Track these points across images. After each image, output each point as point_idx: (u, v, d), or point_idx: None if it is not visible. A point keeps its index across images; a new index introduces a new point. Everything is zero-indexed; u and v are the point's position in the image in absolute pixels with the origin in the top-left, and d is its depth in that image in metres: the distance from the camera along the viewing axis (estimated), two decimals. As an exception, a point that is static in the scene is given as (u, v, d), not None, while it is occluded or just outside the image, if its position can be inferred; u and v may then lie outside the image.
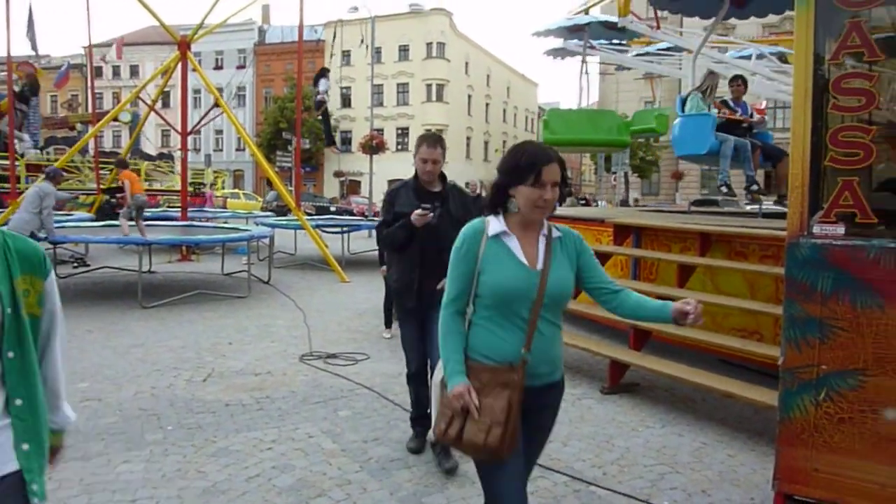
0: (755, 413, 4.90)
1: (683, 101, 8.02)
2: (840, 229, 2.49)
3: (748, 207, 25.09)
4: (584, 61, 11.61)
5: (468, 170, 44.13)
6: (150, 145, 31.21)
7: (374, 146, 32.84)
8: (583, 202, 24.30)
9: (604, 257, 6.74)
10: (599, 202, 32.50)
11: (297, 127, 15.45)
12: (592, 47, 11.48)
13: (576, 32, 10.91)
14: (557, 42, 11.80)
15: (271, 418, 4.62)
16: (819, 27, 2.50)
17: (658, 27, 9.24)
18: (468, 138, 52.43)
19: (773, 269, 5.10)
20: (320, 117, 18.02)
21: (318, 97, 16.86)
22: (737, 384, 4.58)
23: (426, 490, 3.57)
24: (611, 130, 11.30)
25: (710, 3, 8.12)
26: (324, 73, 17.34)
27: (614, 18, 10.31)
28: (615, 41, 12.14)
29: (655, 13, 9.05)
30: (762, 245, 5.57)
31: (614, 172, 32.90)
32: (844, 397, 2.51)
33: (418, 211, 3.67)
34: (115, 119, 17.43)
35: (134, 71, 53.15)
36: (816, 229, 2.53)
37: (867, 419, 2.49)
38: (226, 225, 14.31)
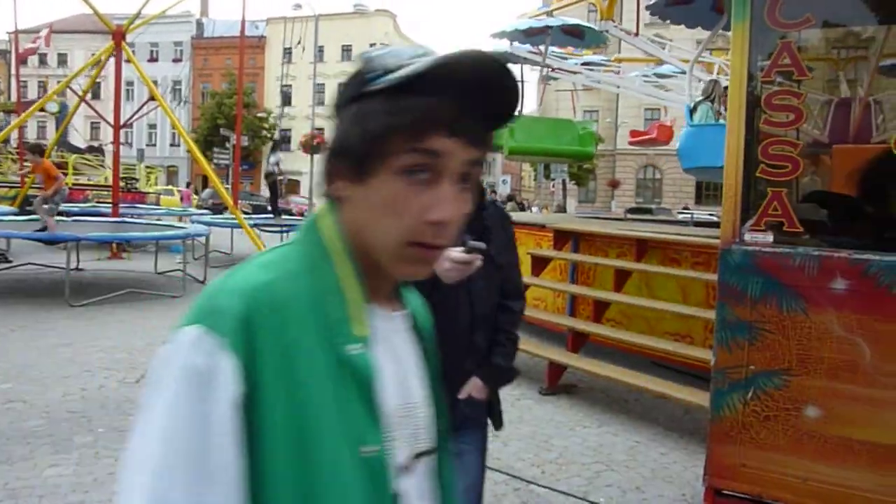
0: (686, 413, 5.10)
1: (692, 111, 7.76)
2: (769, 237, 2.63)
3: (680, 216, 25.96)
4: (543, 65, 11.11)
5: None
6: (79, 137, 29.95)
7: (315, 145, 32.44)
8: (519, 207, 24.71)
9: (544, 261, 6.88)
10: (533, 208, 32.85)
11: (238, 124, 15.16)
12: (538, 54, 11.32)
13: (531, 37, 10.68)
14: (502, 44, 11.51)
15: (208, 420, 4.52)
16: (753, 46, 2.64)
17: (637, 34, 8.92)
18: (410, 141, 52.47)
19: (705, 276, 5.32)
20: (269, 187, 18.00)
21: (269, 168, 16.96)
22: (669, 385, 4.76)
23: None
24: (573, 141, 11.05)
25: (705, 15, 7.93)
26: (276, 146, 17.58)
27: (578, 21, 10.36)
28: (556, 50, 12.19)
29: (637, 21, 8.88)
30: (694, 252, 5.80)
31: (553, 179, 33.51)
32: (770, 396, 2.65)
33: (459, 252, 1.84)
34: (42, 109, 16.67)
35: (62, 60, 50.92)
36: (747, 237, 2.67)
37: (791, 416, 2.63)
38: (160, 222, 13.87)
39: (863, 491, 2.53)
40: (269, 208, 20.20)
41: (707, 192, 42.79)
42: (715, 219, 14.39)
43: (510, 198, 26.72)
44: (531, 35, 10.44)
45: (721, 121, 7.14)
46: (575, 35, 10.55)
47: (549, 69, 11.06)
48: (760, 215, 2.64)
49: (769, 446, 2.68)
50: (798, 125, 2.57)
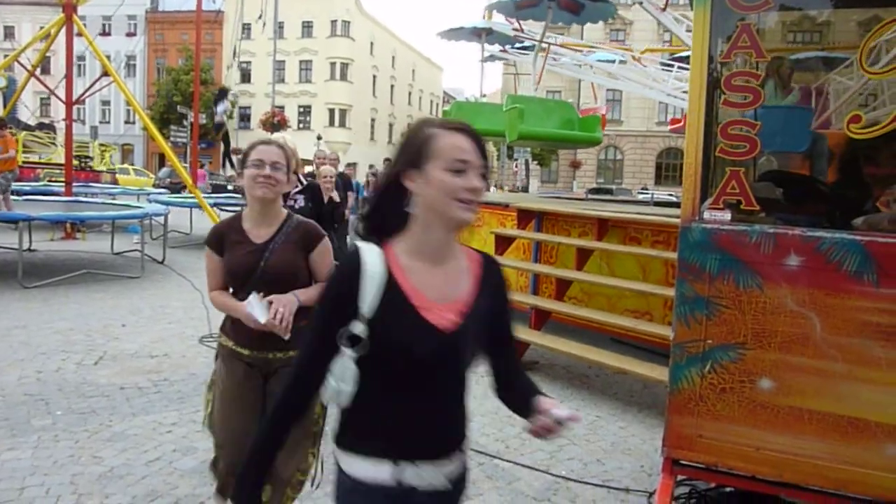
0: (644, 388, 5.24)
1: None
2: (727, 215, 2.71)
3: (640, 196, 26.31)
4: (542, 41, 11.14)
5: (372, 152, 43.75)
6: (28, 114, 28.88)
7: (275, 123, 31.93)
8: None
9: (507, 240, 6.93)
10: (492, 187, 32.77)
11: (196, 101, 14.80)
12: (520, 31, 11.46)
13: (522, 10, 10.67)
14: (454, 24, 11.77)
15: (170, 401, 4.47)
16: (714, 28, 2.69)
17: (521, 30, 9.67)
18: (373, 119, 51.95)
19: (664, 254, 5.43)
20: (221, 140, 17.38)
21: (218, 119, 16.34)
22: (629, 361, 4.86)
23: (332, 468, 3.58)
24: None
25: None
26: (223, 94, 16.81)
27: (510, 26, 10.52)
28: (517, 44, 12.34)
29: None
30: (654, 231, 5.91)
31: (516, 159, 33.61)
32: (726, 369, 2.75)
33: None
34: (-12, 84, 16.02)
35: (9, 33, 48.83)
36: (706, 215, 2.74)
37: (745, 388, 2.73)
38: (116, 202, 13.53)
39: (812, 458, 2.65)
40: (223, 161, 19.59)
41: (666, 173, 43.53)
42: (674, 199, 14.70)
43: None
44: (522, 8, 10.48)
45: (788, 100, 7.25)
46: (572, 10, 10.48)
47: (545, 46, 11.05)
48: (719, 194, 2.72)
49: (725, 417, 2.78)
50: (756, 106, 2.64)
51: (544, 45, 11.10)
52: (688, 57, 12.13)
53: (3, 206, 9.30)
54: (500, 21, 12.32)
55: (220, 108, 16.24)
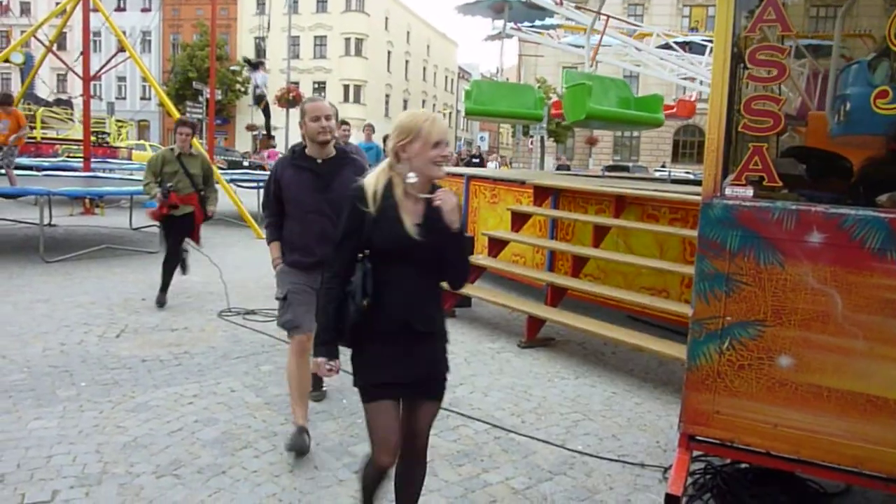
0: (660, 365, 5.24)
1: (870, 68, 7.31)
2: (749, 191, 2.68)
3: (657, 174, 26.13)
4: (503, 36, 11.36)
5: (386, 128, 43.51)
6: (46, 90, 29.01)
7: (290, 99, 31.83)
8: (477, 161, 23.68)
9: (523, 217, 6.92)
10: (491, 163, 31.87)
11: (212, 77, 14.79)
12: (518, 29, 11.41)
13: (500, 11, 10.82)
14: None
15: (191, 373, 4.54)
16: (738, 1, 2.65)
17: (561, 3, 9.59)
18: (387, 96, 51.71)
19: (682, 231, 5.40)
20: (262, 111, 17.18)
21: (258, 91, 16.25)
22: (645, 338, 4.87)
23: (352, 440, 3.64)
24: (527, 105, 10.83)
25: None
26: (258, 65, 16.68)
27: None
28: (538, 22, 12.19)
29: None
30: (672, 208, 5.87)
31: (531, 136, 33.40)
32: (745, 346, 2.75)
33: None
34: (7, 60, 16.07)
35: (25, 9, 48.91)
36: (728, 191, 2.72)
37: (764, 365, 2.73)
38: (133, 177, 13.61)
39: (830, 435, 2.66)
40: (265, 133, 19.54)
41: (684, 150, 43.03)
42: (692, 176, 14.57)
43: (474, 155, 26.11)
44: (498, 11, 10.62)
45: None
46: (535, 9, 10.60)
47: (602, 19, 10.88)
48: (741, 170, 2.69)
49: (742, 394, 2.78)
50: (781, 80, 2.60)
51: (601, 19, 10.84)
52: (692, 42, 11.97)
53: (8, 180, 9.36)
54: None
55: (258, 79, 16.16)
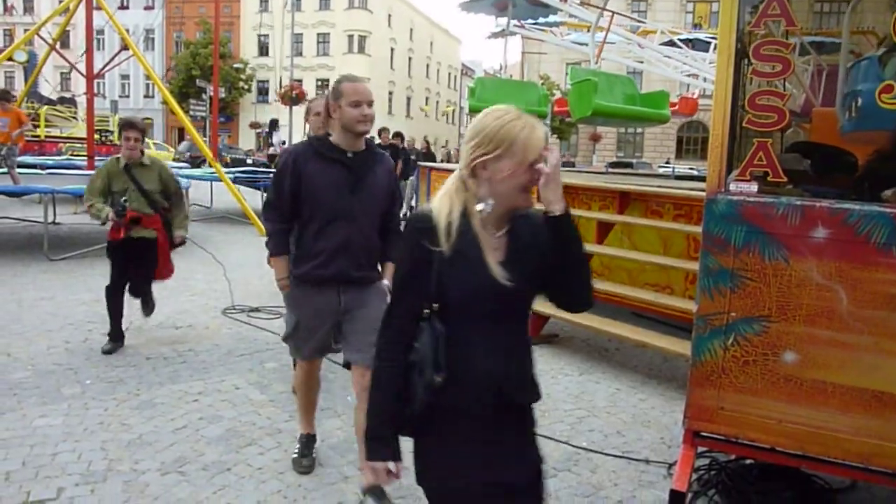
0: (664, 361, 5.24)
1: (881, 62, 7.22)
2: (753, 187, 2.67)
3: (661, 170, 26.08)
4: (507, 33, 11.41)
5: (391, 125, 43.46)
6: (49, 88, 29.07)
7: (293, 97, 31.87)
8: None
9: (527, 214, 6.90)
10: None
11: (215, 75, 14.81)
12: (521, 26, 11.39)
13: (503, 9, 10.80)
14: None
15: (196, 371, 4.55)
16: (743, -6, 2.64)
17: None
18: (390, 93, 51.67)
19: (686, 227, 5.39)
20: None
21: (272, 150, 16.67)
22: (649, 334, 4.86)
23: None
24: (531, 102, 10.72)
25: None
26: (274, 124, 17.12)
27: None
28: (541, 19, 12.19)
29: None
30: (676, 204, 5.85)
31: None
32: (750, 342, 2.74)
33: None
34: (10, 59, 16.11)
35: (28, 8, 49.01)
36: (732, 187, 2.71)
37: (768, 361, 2.72)
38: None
39: (835, 431, 2.65)
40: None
41: (687, 146, 42.93)
42: (696, 173, 14.57)
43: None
44: (501, 9, 10.59)
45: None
46: (539, 5, 10.56)
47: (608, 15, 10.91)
48: (746, 165, 2.68)
49: (747, 390, 2.77)
50: (786, 76, 2.59)
51: (606, 16, 10.83)
52: (695, 39, 11.98)
53: (11, 180, 9.40)
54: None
55: (275, 139, 16.63)
